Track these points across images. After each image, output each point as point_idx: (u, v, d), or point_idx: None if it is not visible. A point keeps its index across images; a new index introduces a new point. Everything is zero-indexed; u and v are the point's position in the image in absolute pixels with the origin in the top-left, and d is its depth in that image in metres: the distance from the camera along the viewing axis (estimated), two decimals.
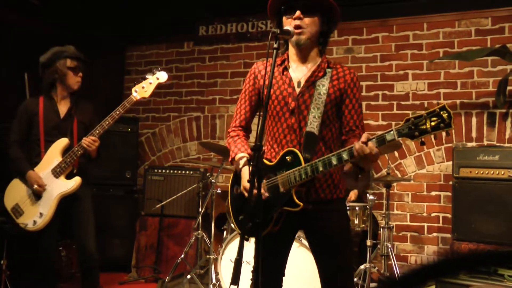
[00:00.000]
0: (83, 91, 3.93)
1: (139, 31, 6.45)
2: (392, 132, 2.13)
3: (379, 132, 2.19)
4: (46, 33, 5.35)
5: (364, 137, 2.19)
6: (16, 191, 3.73)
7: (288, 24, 2.43)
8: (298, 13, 2.39)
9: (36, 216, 3.61)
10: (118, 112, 3.60)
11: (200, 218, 4.70)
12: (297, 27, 2.40)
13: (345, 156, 2.24)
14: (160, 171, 5.66)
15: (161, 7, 6.16)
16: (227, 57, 6.05)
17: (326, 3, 2.43)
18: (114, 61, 6.51)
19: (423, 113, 2.06)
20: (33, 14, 5.34)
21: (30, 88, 5.02)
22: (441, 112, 2.03)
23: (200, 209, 4.74)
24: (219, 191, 4.71)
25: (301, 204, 2.35)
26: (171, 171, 5.62)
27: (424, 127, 2.05)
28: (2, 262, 4.07)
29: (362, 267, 4.16)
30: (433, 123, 2.04)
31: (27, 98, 3.97)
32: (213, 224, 4.62)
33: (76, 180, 3.62)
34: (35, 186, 3.59)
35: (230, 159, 2.61)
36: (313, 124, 2.43)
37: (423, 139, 2.09)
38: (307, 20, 2.41)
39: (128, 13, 6.20)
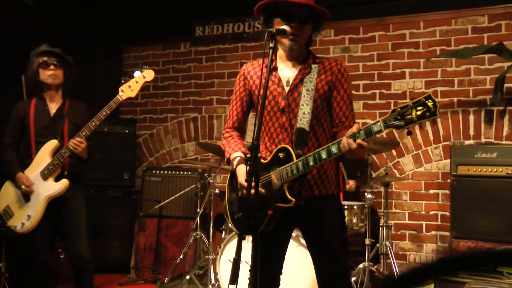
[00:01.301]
0: (80, 92, 3.91)
1: (136, 32, 6.44)
2: (378, 123, 2.13)
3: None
4: (43, 35, 5.32)
5: (355, 127, 2.18)
6: (7, 194, 3.74)
7: (279, 26, 2.44)
8: (294, 23, 2.40)
9: (24, 218, 3.60)
10: (104, 113, 3.56)
11: (198, 218, 4.69)
12: (293, 34, 2.42)
13: (334, 149, 2.24)
14: (158, 172, 5.66)
15: (157, 8, 6.15)
16: (224, 58, 6.05)
17: (320, 13, 2.45)
18: (111, 62, 6.50)
19: (409, 103, 2.07)
20: (29, 15, 5.33)
21: (27, 91, 5.01)
22: (427, 101, 2.04)
23: (199, 210, 4.74)
24: (217, 191, 4.71)
25: (293, 199, 2.36)
26: (169, 172, 5.62)
27: (410, 116, 2.06)
28: (1, 264, 4.07)
29: (361, 265, 4.16)
30: (418, 112, 2.04)
31: (20, 101, 3.95)
32: (211, 225, 4.61)
33: (63, 183, 3.59)
34: (23, 186, 3.59)
35: (225, 160, 2.64)
36: (303, 120, 2.45)
37: (409, 129, 2.10)
38: (301, 29, 2.44)
39: (124, 14, 6.19)
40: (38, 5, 5.33)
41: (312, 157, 2.30)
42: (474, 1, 4.97)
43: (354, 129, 2.18)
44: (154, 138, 6.36)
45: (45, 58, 3.70)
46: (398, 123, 2.08)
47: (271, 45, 2.29)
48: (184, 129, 6.21)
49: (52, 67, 3.70)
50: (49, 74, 3.70)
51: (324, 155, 2.27)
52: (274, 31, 2.31)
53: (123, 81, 3.69)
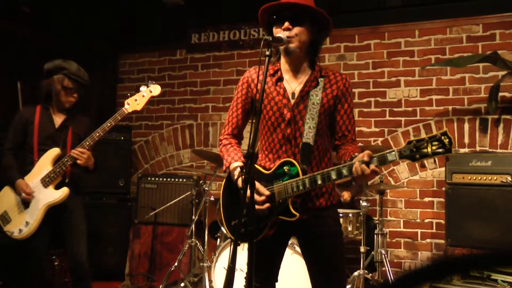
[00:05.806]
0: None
1: (131, 39, 6.44)
2: (394, 153, 2.15)
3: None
4: (39, 42, 5.34)
5: (366, 155, 2.19)
6: (6, 199, 3.71)
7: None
8: (286, 24, 2.40)
9: (22, 224, 3.58)
10: (109, 124, 3.58)
11: (193, 225, 4.68)
12: (288, 36, 2.41)
13: (345, 172, 2.25)
14: (153, 179, 5.65)
15: (153, 15, 6.16)
16: (220, 65, 6.06)
17: (315, 13, 2.43)
18: (107, 69, 6.50)
19: (425, 137, 2.10)
20: (25, 22, 5.34)
21: (23, 97, 5.01)
22: (442, 137, 2.08)
23: (194, 217, 4.73)
24: (212, 198, 4.71)
25: (297, 214, 2.35)
26: (164, 179, 5.61)
27: (426, 150, 2.10)
28: None
29: (356, 273, 4.16)
30: (434, 147, 2.08)
31: (24, 107, 3.95)
32: (206, 232, 4.61)
33: (64, 191, 3.59)
34: (23, 194, 3.58)
35: (224, 168, 2.59)
36: (308, 134, 2.44)
37: (423, 162, 2.13)
38: (296, 30, 2.41)
39: (120, 21, 6.20)
40: (33, 13, 5.33)
41: (320, 176, 2.31)
42: (469, 10, 5.00)
43: (365, 157, 2.18)
44: (150, 145, 6.35)
45: (72, 85, 3.69)
46: (413, 155, 2.12)
47: (267, 53, 2.28)
48: (180, 136, 6.21)
49: (75, 94, 3.73)
50: (69, 100, 3.73)
51: (333, 176, 2.28)
52: (270, 39, 2.31)
53: (129, 94, 3.71)
